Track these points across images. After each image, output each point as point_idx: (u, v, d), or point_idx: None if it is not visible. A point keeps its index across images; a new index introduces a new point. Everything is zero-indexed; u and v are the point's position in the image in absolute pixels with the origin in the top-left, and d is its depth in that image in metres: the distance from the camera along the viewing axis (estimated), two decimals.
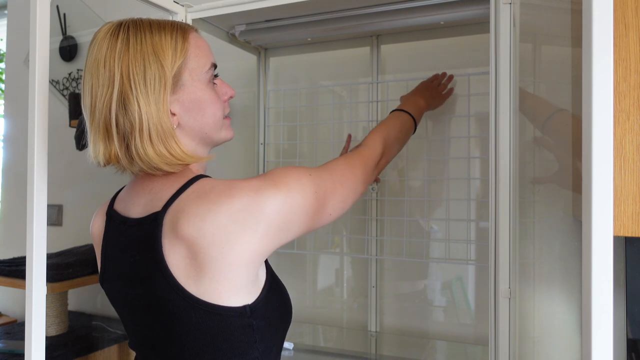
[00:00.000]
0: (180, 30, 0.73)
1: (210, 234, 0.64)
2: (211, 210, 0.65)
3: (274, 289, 0.74)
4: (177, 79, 0.70)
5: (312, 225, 0.75)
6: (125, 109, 0.67)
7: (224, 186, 0.68)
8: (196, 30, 0.77)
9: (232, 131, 0.82)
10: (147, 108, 0.67)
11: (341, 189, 0.79)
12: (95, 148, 0.71)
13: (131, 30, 0.70)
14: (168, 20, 0.74)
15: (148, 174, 0.73)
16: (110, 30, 0.71)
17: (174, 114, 0.71)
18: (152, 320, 0.71)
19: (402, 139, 1.04)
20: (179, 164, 0.71)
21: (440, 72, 1.29)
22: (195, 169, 0.76)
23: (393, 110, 1.09)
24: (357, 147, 0.94)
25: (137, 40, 0.69)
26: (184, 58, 0.71)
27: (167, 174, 0.73)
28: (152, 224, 0.68)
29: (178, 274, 0.66)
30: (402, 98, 1.20)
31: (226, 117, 0.80)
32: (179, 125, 0.72)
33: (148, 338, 0.74)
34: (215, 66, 0.77)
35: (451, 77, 1.29)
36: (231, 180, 0.70)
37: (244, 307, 0.68)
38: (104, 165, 0.72)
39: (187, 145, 0.74)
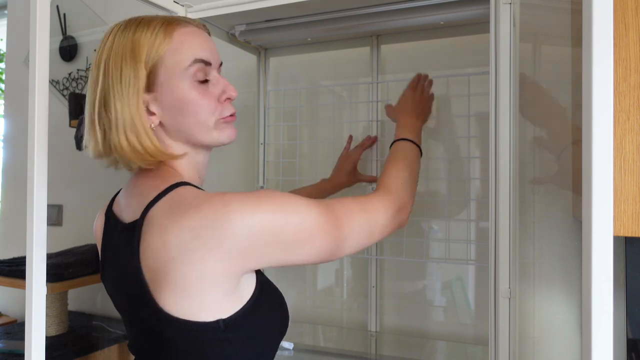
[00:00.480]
0: (164, 25, 0.70)
1: (173, 247, 0.62)
2: (176, 222, 0.63)
3: (263, 301, 0.70)
4: (153, 76, 0.69)
5: (297, 259, 0.68)
6: (105, 106, 0.69)
7: (195, 198, 0.65)
8: (193, 25, 0.73)
9: (229, 133, 0.75)
10: (121, 107, 0.68)
11: (341, 229, 0.70)
12: (87, 141, 0.73)
13: (120, 29, 0.71)
14: (160, 16, 0.72)
15: (138, 174, 0.73)
16: (109, 30, 0.72)
17: (153, 113, 0.71)
18: (144, 324, 0.71)
19: (417, 173, 0.96)
20: (154, 160, 0.71)
21: (422, 74, 1.18)
22: (186, 172, 0.74)
23: (395, 141, 1.01)
24: (374, 191, 0.86)
25: (121, 40, 0.70)
26: (161, 55, 0.69)
27: (154, 175, 0.72)
28: (133, 233, 0.68)
29: (151, 286, 0.65)
30: (394, 111, 1.13)
31: (224, 117, 0.74)
32: (160, 124, 0.71)
33: (143, 341, 0.74)
34: (204, 62, 0.71)
35: (431, 82, 1.19)
36: (208, 193, 0.66)
37: (217, 321, 0.65)
38: (97, 158, 0.74)
39: (171, 145, 0.73)
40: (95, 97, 0.70)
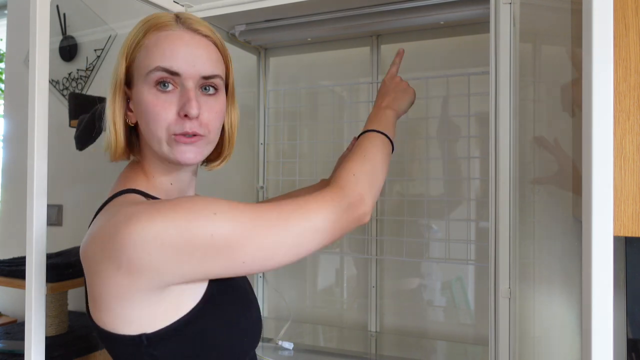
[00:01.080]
0: (146, 25, 0.69)
1: (88, 257, 0.62)
2: (92, 232, 0.63)
3: (208, 320, 0.64)
4: (130, 75, 0.70)
5: (219, 271, 0.61)
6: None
7: (120, 207, 0.62)
8: (186, 29, 0.69)
9: (183, 153, 0.67)
10: (108, 104, 0.71)
11: (271, 234, 0.63)
12: None
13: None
14: (161, 14, 0.71)
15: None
16: None
17: (131, 111, 0.72)
18: None
19: (383, 166, 0.83)
20: (115, 155, 0.72)
21: (400, 50, 1.03)
22: (158, 177, 0.72)
23: (361, 134, 0.90)
24: (326, 184, 0.76)
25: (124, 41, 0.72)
26: (136, 54, 0.69)
27: (124, 174, 0.73)
28: None
29: (88, 295, 0.65)
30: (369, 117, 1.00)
31: (177, 135, 0.67)
32: (137, 123, 0.71)
33: None
34: (168, 71, 0.66)
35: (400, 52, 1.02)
36: (136, 203, 0.63)
37: (140, 336, 0.60)
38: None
39: (143, 147, 0.73)
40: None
